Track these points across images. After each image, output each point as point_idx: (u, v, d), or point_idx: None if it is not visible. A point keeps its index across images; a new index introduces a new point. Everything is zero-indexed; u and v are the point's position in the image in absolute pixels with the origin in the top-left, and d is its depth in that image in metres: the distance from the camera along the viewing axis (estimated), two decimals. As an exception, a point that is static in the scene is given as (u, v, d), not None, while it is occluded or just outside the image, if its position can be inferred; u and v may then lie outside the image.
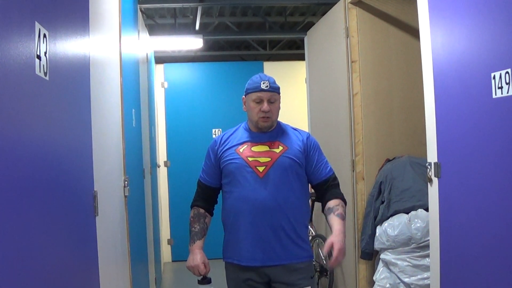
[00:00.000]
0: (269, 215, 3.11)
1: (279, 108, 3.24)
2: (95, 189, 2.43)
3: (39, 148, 1.67)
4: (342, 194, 3.30)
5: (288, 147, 3.19)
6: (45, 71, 1.73)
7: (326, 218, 3.26)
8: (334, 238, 3.05)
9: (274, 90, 3.17)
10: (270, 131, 3.24)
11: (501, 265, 2.71)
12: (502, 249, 2.70)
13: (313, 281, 3.24)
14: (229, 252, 3.25)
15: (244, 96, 3.25)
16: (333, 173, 3.32)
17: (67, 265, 1.95)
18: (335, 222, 3.13)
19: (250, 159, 3.15)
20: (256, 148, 3.19)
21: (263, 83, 3.14)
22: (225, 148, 3.23)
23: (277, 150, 3.17)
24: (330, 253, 3.09)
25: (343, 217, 3.17)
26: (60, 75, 1.96)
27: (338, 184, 3.33)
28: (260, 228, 3.12)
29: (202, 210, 3.29)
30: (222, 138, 3.30)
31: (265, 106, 3.13)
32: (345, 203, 3.29)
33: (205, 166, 3.34)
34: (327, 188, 3.28)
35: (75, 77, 2.25)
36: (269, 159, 3.14)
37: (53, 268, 1.74)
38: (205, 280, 3.21)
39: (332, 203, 3.23)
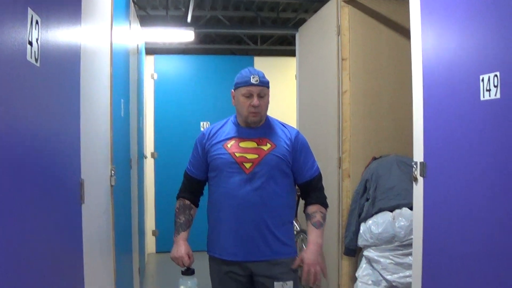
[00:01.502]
0: (253, 212, 3.11)
1: (268, 102, 3.23)
2: (81, 177, 2.43)
3: (27, 134, 1.67)
4: (324, 198, 3.32)
5: (276, 145, 3.19)
6: (37, 57, 1.73)
7: (306, 220, 3.32)
8: (305, 253, 3.14)
9: (264, 84, 3.16)
10: (258, 126, 3.24)
11: (483, 265, 2.74)
12: (484, 250, 2.73)
13: (296, 275, 3.25)
14: (212, 246, 3.26)
15: (233, 90, 3.24)
16: (319, 173, 3.33)
17: (52, 252, 1.95)
18: (311, 233, 3.21)
19: (237, 155, 3.14)
20: (244, 144, 3.18)
21: (253, 78, 3.13)
22: (213, 142, 3.23)
23: (265, 148, 3.17)
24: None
25: (319, 225, 3.21)
26: (51, 62, 1.96)
27: (322, 186, 3.35)
28: (243, 225, 3.12)
29: (187, 202, 3.30)
30: (210, 131, 3.28)
31: (255, 101, 3.12)
32: (326, 206, 3.32)
33: (192, 158, 3.33)
34: (310, 190, 3.30)
35: (66, 65, 2.25)
36: (257, 156, 3.14)
37: (37, 255, 1.74)
38: (189, 271, 3.22)
39: (311, 209, 3.28)
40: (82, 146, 2.47)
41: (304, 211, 3.33)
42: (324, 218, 3.26)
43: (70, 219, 2.25)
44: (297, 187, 3.39)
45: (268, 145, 3.17)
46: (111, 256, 3.34)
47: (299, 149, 3.24)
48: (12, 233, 1.47)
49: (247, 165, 3.12)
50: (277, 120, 3.34)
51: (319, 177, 3.32)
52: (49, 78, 1.95)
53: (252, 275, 3.20)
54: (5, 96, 1.45)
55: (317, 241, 3.17)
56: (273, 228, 3.15)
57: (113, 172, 3.36)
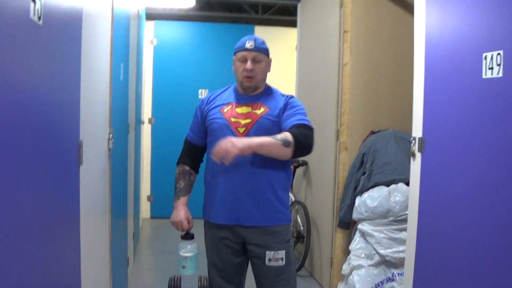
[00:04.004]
0: (247, 177, 3.13)
1: (265, 69, 3.23)
2: (80, 139, 2.43)
3: (27, 92, 1.66)
4: (298, 133, 3.00)
5: (270, 108, 3.19)
6: (39, 15, 1.71)
7: None
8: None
9: (259, 50, 3.17)
10: (257, 93, 3.25)
11: (479, 243, 2.75)
12: (480, 228, 2.74)
13: (289, 245, 3.26)
14: (207, 210, 3.30)
15: (234, 57, 3.26)
16: (304, 123, 3.08)
17: (49, 213, 1.95)
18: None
19: (232, 119, 3.16)
20: (239, 109, 3.20)
21: (248, 43, 3.16)
22: (211, 107, 3.26)
23: (258, 112, 3.18)
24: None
25: (273, 137, 2.96)
26: (54, 22, 1.95)
27: (303, 128, 3.04)
28: (237, 189, 3.14)
29: (187, 168, 3.33)
30: (210, 97, 3.33)
31: (248, 64, 3.14)
32: (295, 136, 2.98)
33: (192, 124, 3.38)
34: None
35: (68, 26, 2.24)
36: (250, 120, 3.15)
37: (34, 216, 1.74)
38: (188, 235, 3.27)
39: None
40: (82, 108, 2.46)
41: None
42: (283, 140, 2.94)
43: (68, 179, 2.25)
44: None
45: (262, 109, 3.17)
46: (106, 220, 3.36)
47: (288, 104, 3.19)
48: (10, 192, 1.46)
49: (241, 130, 3.13)
50: (278, 90, 3.33)
51: (300, 124, 3.06)
52: (51, 38, 1.93)
53: (244, 243, 3.22)
54: (7, 53, 1.44)
55: (251, 138, 2.95)
56: (267, 192, 3.15)
57: (111, 135, 3.35)
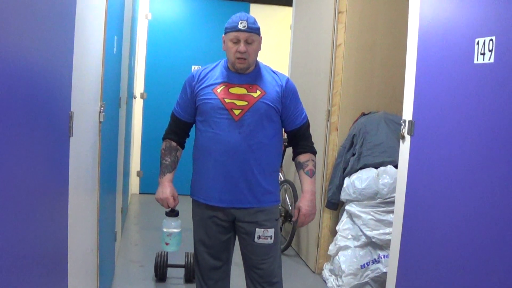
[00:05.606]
0: (240, 158, 3.13)
1: (257, 49, 3.20)
2: (71, 110, 2.42)
3: (19, 61, 1.65)
4: (313, 144, 3.37)
5: (266, 92, 3.18)
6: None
7: (296, 169, 3.36)
8: (302, 202, 3.27)
9: (252, 30, 3.13)
10: (248, 72, 3.22)
11: (465, 227, 2.77)
12: (467, 212, 2.76)
13: (277, 223, 3.29)
14: (197, 190, 3.29)
15: (223, 35, 3.23)
16: (307, 120, 3.35)
17: (38, 184, 1.94)
18: (305, 181, 3.30)
19: (226, 100, 3.13)
20: (233, 90, 3.17)
21: (241, 23, 3.10)
22: (202, 86, 3.21)
23: (255, 95, 3.16)
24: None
25: (312, 173, 3.30)
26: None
27: (309, 134, 3.38)
28: (230, 171, 3.14)
29: (174, 143, 3.31)
30: (200, 74, 3.26)
31: (241, 46, 3.10)
32: (315, 153, 3.37)
33: (180, 99, 3.32)
34: (299, 137, 3.32)
35: (61, -4, 2.22)
36: (246, 103, 3.14)
37: (23, 185, 1.73)
38: (173, 213, 3.28)
39: (303, 157, 3.33)
40: (74, 78, 2.45)
41: (294, 159, 3.36)
42: (315, 166, 3.35)
43: (58, 150, 2.24)
44: (284, 137, 3.41)
45: (258, 92, 3.17)
46: (95, 193, 3.35)
47: (289, 96, 3.24)
48: None
49: (237, 112, 3.12)
50: (268, 67, 3.33)
51: (307, 125, 3.36)
52: (45, 7, 1.92)
53: (234, 220, 3.24)
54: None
55: (311, 189, 3.30)
56: (259, 176, 3.17)
57: (102, 108, 3.33)
